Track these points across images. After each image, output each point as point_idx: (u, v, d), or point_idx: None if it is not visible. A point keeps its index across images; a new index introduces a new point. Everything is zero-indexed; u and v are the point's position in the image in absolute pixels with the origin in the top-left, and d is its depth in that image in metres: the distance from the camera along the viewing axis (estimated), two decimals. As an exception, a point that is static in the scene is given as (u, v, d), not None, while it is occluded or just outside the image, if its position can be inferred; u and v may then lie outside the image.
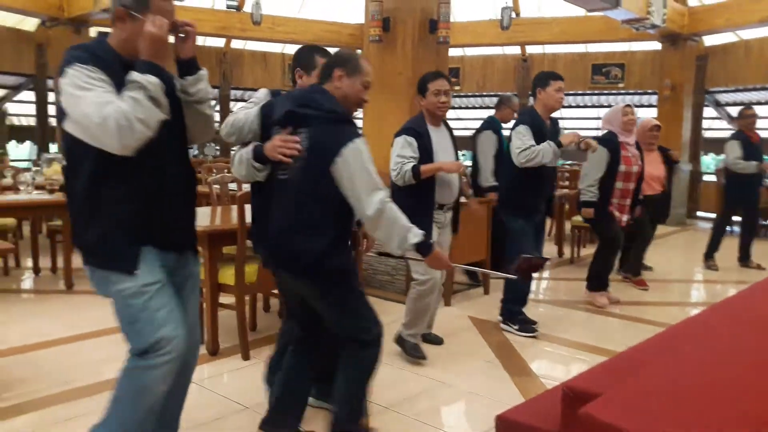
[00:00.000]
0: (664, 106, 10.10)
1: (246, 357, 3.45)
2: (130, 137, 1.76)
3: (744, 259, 6.37)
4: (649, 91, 11.66)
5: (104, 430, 2.03)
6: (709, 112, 11.74)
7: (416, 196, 3.31)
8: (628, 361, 2.04)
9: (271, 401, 2.48)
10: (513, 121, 4.17)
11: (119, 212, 1.90)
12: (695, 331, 2.20)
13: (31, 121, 13.25)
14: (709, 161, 17.06)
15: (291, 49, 13.16)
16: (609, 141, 4.51)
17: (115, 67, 1.86)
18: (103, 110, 1.74)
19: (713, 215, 9.36)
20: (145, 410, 1.97)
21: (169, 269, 2.03)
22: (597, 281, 4.82)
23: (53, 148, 11.32)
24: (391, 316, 4.32)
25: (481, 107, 14.15)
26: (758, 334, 2.00)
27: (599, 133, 4.71)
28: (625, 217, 4.70)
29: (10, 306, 4.45)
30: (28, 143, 14.98)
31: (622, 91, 12.10)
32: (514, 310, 4.07)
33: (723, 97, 11.48)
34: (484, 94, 13.37)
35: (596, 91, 12.19)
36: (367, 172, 2.16)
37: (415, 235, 2.24)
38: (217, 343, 3.53)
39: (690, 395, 1.47)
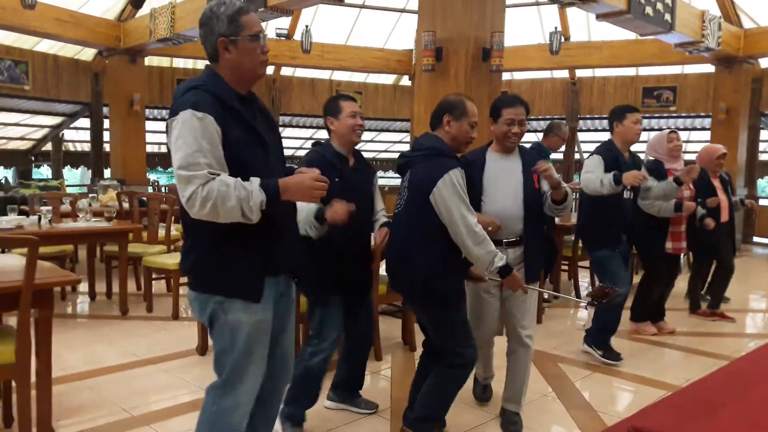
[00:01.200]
0: (717, 129, 9.84)
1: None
2: (196, 209, 1.78)
3: None
4: (702, 114, 11.39)
5: None
6: (764, 134, 11.37)
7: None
8: (693, 399, 1.94)
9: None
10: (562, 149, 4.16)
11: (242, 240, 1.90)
12: (761, 368, 2.10)
13: (86, 147, 13.79)
14: (764, 185, 16.45)
15: (339, 75, 13.41)
16: (655, 170, 4.39)
17: (233, 101, 1.90)
18: (193, 171, 1.77)
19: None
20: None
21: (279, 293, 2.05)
22: (639, 311, 4.73)
23: (107, 173, 11.70)
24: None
25: (528, 131, 14.03)
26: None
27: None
28: (683, 244, 4.56)
29: (68, 331, 4.54)
30: (81, 168, 15.59)
31: (674, 114, 11.85)
32: (600, 338, 4.05)
33: (780, 120, 11.11)
34: (532, 118, 13.25)
35: (647, 115, 11.95)
36: (459, 199, 2.50)
37: (500, 258, 2.54)
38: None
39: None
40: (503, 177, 2.95)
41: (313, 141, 3.47)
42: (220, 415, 1.97)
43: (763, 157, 11.98)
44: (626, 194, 3.91)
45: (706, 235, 4.84)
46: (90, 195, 7.24)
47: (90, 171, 12.98)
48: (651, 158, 4.55)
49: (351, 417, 3.08)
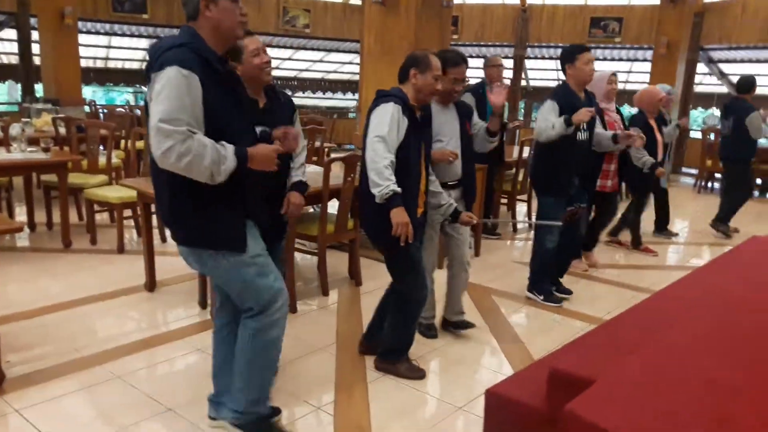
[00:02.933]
0: (658, 63, 10.10)
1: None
2: (171, 162, 1.88)
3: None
4: (645, 46, 11.58)
5: (245, 397, 2.29)
6: (701, 67, 11.72)
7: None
8: (609, 338, 2.17)
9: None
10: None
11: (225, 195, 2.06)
12: (674, 309, 2.34)
13: (13, 60, 12.92)
14: (697, 115, 17.07)
15: None
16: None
17: (216, 63, 1.98)
18: (175, 126, 1.86)
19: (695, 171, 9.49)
20: (275, 362, 2.33)
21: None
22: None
23: (39, 89, 11.09)
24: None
25: (478, 56, 13.97)
26: (731, 311, 2.15)
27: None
28: (609, 182, 4.81)
29: (10, 265, 4.46)
30: (9, 82, 14.66)
31: (618, 46, 12.01)
32: (539, 283, 4.21)
33: (716, 54, 11.46)
34: (482, 44, 13.19)
35: (593, 45, 12.07)
36: (381, 125, 2.72)
37: (392, 188, 2.68)
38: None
39: (674, 388, 1.57)
40: (446, 127, 3.30)
41: None
42: (267, 340, 2.26)
43: (698, 89, 12.39)
44: (580, 136, 3.89)
45: (642, 173, 5.15)
46: (23, 120, 6.90)
47: (19, 86, 12.24)
48: None
49: (298, 352, 3.25)
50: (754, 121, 5.93)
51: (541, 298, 4.17)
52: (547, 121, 3.77)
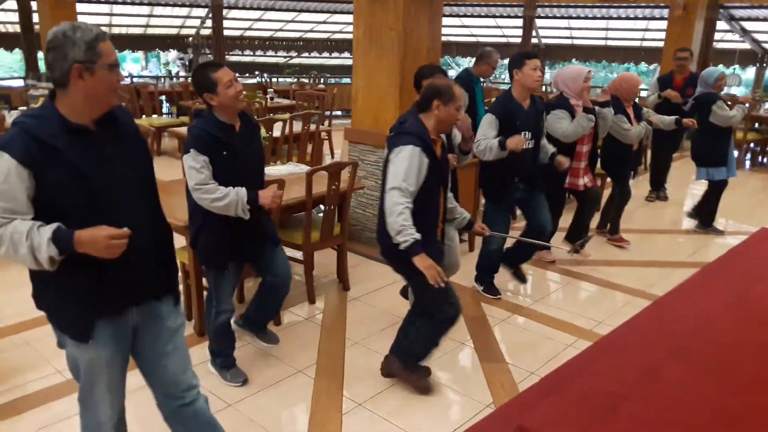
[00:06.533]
0: (674, 24, 9.66)
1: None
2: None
3: None
4: (662, 4, 11.09)
5: None
6: (721, 25, 11.24)
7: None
8: (582, 396, 2.06)
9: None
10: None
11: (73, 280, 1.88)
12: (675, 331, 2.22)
13: (18, 28, 12.81)
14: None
15: None
16: (563, 106, 4.45)
17: (56, 140, 1.78)
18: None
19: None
20: None
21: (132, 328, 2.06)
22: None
23: (40, 55, 11.02)
24: (377, 282, 4.46)
25: (486, 15, 13.54)
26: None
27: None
28: (581, 181, 4.75)
29: (7, 272, 4.38)
30: (16, 51, 14.59)
31: (633, 5, 11.51)
32: (485, 278, 4.41)
33: (738, 12, 10.94)
34: (491, 3, 12.75)
35: (606, 4, 11.60)
36: (401, 171, 2.78)
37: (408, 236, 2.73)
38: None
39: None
40: None
41: (193, 111, 3.33)
42: (85, 429, 2.14)
43: (717, 45, 11.93)
44: (525, 145, 3.91)
45: (618, 164, 5.20)
46: (20, 108, 6.86)
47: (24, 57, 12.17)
48: (556, 92, 4.61)
49: (277, 375, 3.27)
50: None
51: (482, 288, 4.38)
52: (486, 137, 3.88)
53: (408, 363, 3.16)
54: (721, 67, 12.98)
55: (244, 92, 3.00)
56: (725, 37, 12.39)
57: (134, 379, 2.22)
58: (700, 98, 5.61)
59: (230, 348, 3.27)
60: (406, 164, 2.77)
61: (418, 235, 2.72)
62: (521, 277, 4.47)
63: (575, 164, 4.66)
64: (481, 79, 5.55)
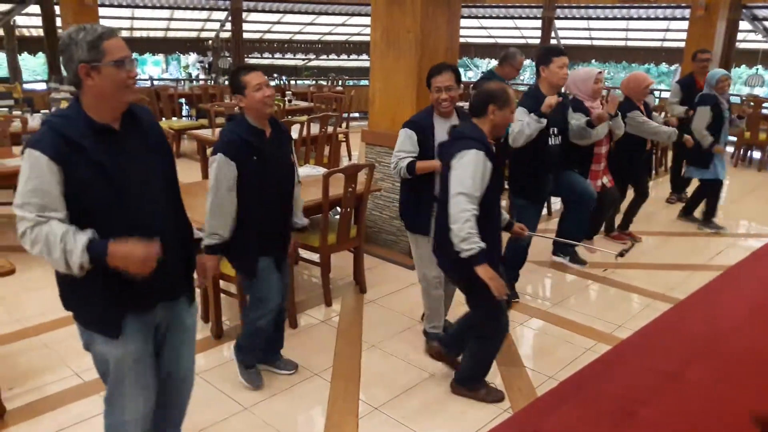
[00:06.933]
0: (696, 25, 9.52)
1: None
2: (27, 248, 1.82)
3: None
4: (683, 5, 10.95)
5: None
6: (743, 25, 11.06)
7: (416, 191, 3.38)
8: (599, 403, 2.04)
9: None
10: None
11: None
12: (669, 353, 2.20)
13: (42, 32, 13.03)
14: (740, 72, 16.22)
15: None
16: (578, 108, 4.42)
17: (82, 138, 1.82)
18: (24, 212, 1.78)
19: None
20: None
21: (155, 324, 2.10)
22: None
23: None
24: (394, 284, 4.45)
25: (505, 17, 13.48)
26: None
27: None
28: (599, 182, 4.74)
29: (31, 270, 3.92)
30: (40, 55, 14.83)
31: (654, 5, 11.38)
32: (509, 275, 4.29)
33: (762, 12, 10.76)
34: (509, 5, 12.68)
35: (626, 4, 11.48)
36: (468, 174, 2.70)
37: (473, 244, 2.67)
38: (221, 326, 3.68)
39: None
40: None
41: (227, 115, 3.36)
42: (109, 429, 2.15)
43: (740, 45, 11.74)
44: (552, 140, 4.00)
45: (629, 164, 5.20)
46: (42, 112, 6.95)
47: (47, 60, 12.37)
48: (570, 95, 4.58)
49: (293, 379, 3.26)
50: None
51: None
52: (520, 122, 3.83)
53: (471, 385, 3.13)
54: (745, 67, 12.80)
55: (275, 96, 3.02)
56: (748, 37, 12.19)
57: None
58: (699, 99, 5.70)
59: (256, 352, 3.20)
60: (471, 168, 2.71)
61: (483, 244, 2.66)
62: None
63: (594, 166, 4.65)
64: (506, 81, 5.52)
